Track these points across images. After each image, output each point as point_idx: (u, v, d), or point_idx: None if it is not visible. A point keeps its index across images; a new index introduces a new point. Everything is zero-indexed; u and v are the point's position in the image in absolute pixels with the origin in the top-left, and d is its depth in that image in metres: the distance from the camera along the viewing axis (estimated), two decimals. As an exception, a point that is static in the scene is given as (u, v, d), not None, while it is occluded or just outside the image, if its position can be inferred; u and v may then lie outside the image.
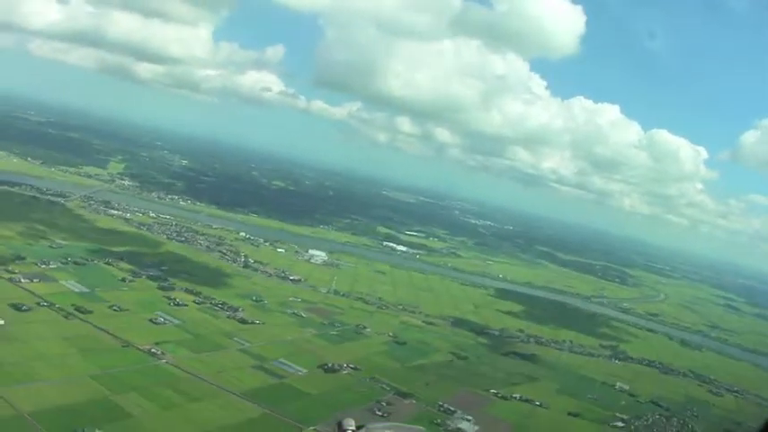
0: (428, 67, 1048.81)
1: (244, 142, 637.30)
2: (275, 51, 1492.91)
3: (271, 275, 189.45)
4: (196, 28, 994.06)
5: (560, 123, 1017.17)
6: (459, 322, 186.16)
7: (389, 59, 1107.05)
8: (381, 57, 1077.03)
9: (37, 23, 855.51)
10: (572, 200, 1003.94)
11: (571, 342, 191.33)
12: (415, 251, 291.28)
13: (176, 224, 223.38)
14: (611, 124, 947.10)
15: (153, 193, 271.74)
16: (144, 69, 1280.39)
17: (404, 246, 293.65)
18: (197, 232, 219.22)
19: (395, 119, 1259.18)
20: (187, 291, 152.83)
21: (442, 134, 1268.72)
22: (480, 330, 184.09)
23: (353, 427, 11.03)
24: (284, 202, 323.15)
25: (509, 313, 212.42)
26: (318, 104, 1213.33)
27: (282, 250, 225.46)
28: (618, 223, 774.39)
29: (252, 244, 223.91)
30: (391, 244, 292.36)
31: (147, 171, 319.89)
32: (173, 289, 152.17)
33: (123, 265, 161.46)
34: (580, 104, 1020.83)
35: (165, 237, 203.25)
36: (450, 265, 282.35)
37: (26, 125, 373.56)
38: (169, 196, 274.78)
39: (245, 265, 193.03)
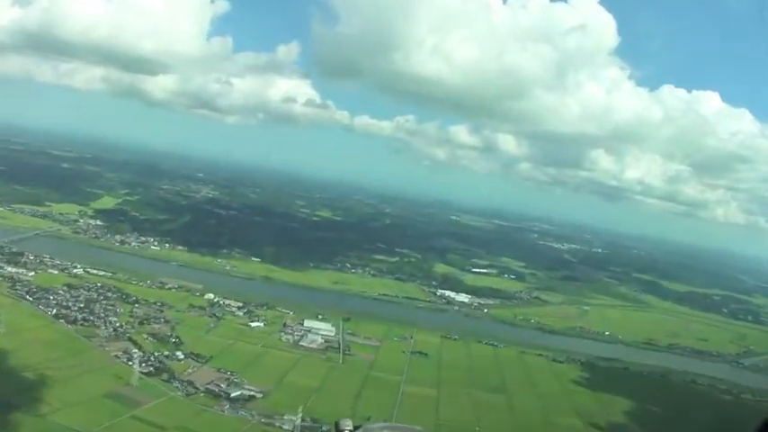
0: (468, 31, 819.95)
1: (292, 167, 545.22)
2: (288, 49, 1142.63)
3: (196, 392, 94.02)
4: (175, 23, 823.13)
5: (653, 116, 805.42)
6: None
7: (412, 22, 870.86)
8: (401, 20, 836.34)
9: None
10: (658, 213, 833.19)
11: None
12: (482, 301, 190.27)
13: (104, 285, 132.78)
14: (715, 116, 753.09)
15: (117, 236, 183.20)
16: (153, 87, 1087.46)
17: (466, 294, 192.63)
18: (127, 298, 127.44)
19: (449, 129, 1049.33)
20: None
21: (507, 142, 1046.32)
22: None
23: (351, 428, 9.40)
24: (314, 239, 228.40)
25: None
26: (365, 119, 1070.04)
27: (261, 324, 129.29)
28: (706, 235, 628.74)
29: (214, 314, 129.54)
30: (448, 293, 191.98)
31: (145, 207, 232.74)
32: None
33: None
34: (670, 93, 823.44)
35: (51, 313, 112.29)
36: (532, 320, 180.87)
37: (37, 160, 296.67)
38: (142, 239, 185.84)
39: (156, 370, 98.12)
